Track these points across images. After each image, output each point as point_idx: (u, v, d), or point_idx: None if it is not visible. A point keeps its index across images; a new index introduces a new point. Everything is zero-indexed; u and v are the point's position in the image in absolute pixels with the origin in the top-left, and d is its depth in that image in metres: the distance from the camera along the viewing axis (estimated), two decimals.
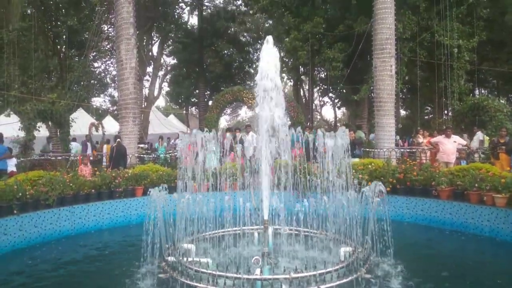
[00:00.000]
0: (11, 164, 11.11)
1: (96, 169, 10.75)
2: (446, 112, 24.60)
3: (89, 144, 16.29)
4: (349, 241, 5.78)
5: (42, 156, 14.53)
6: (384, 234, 5.45)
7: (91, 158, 13.38)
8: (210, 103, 26.48)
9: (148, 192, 5.64)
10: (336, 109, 38.18)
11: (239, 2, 34.14)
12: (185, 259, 4.93)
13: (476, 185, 7.95)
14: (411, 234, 8.33)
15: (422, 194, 8.98)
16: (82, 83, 25.41)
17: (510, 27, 22.04)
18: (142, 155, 15.51)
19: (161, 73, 35.33)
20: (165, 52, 35.26)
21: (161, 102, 53.20)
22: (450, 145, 11.41)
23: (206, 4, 34.35)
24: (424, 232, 8.44)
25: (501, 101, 24.79)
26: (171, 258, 5.14)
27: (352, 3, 20.32)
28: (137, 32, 17.58)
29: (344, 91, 25.80)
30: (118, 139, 12.68)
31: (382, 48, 14.83)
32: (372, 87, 17.02)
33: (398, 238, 5.63)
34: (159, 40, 32.38)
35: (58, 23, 24.93)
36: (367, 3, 16.91)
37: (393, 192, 9.22)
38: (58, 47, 26.07)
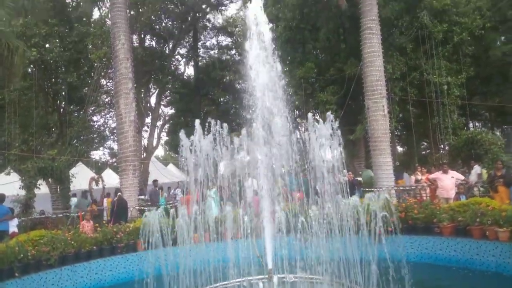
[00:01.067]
0: (13, 225, 11.04)
1: (97, 224, 10.70)
2: (442, 146, 24.84)
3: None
4: (355, 286, 5.71)
5: (43, 214, 14.47)
6: (391, 275, 5.40)
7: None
8: None
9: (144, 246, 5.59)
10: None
11: (233, 52, 35.45)
12: None
13: (478, 220, 7.92)
14: (418, 274, 8.17)
15: (424, 232, 8.92)
16: (82, 137, 25.71)
17: (495, 61, 22.84)
18: (142, 207, 15.45)
19: (159, 123, 35.82)
20: (163, 103, 35.93)
21: (160, 151, 53.51)
22: (448, 181, 11.49)
23: (201, 55, 35.63)
24: (431, 271, 8.28)
25: (495, 133, 25.11)
26: None
27: (341, 48, 21.14)
28: (135, 85, 18.07)
29: (340, 132, 26.13)
30: (119, 193, 12.71)
31: (373, 89, 15.21)
32: (366, 127, 17.33)
33: (406, 279, 5.57)
34: (156, 92, 33.18)
35: (58, 80, 25.48)
36: (355, 46, 17.58)
37: (395, 231, 9.16)
38: (58, 103, 26.58)
